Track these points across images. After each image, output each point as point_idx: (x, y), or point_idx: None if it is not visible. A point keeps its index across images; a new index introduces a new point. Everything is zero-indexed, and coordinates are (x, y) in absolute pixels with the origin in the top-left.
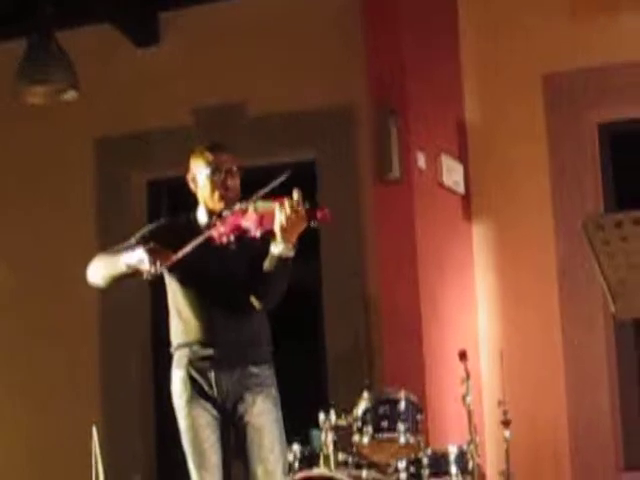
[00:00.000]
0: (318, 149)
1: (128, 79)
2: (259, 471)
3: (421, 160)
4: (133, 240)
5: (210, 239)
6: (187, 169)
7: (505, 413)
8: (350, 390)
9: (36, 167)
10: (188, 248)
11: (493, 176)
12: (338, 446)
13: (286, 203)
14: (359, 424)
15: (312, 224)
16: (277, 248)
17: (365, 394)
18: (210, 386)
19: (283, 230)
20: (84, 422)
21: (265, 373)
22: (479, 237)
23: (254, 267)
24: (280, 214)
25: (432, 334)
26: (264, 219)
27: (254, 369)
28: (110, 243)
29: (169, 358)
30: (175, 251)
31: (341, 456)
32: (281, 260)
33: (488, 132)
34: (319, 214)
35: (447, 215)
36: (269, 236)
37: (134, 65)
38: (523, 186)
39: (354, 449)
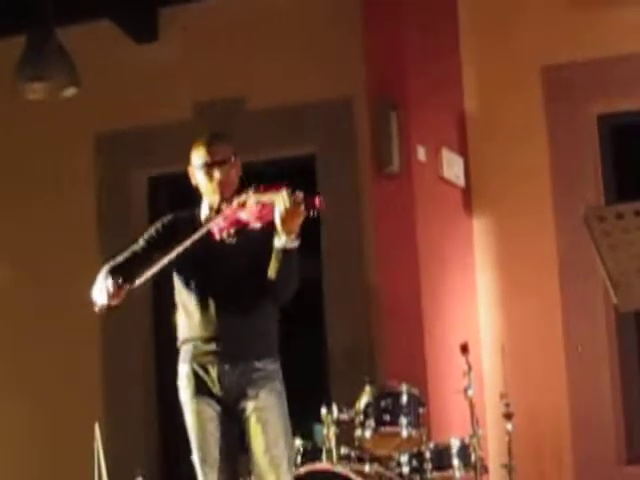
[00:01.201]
0: (318, 143)
1: (128, 75)
2: (264, 466)
3: (421, 153)
4: (141, 241)
5: (210, 234)
6: (188, 163)
7: (507, 406)
8: (352, 384)
9: (36, 163)
10: (169, 256)
11: (493, 169)
12: (340, 440)
13: (284, 194)
14: (361, 418)
15: (312, 214)
16: (280, 241)
17: (367, 388)
18: (213, 382)
19: (284, 222)
20: (87, 420)
21: (269, 367)
22: (480, 230)
23: (259, 262)
24: (279, 206)
25: (433, 327)
26: (263, 211)
27: (258, 363)
28: (111, 239)
29: (171, 355)
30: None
31: (343, 450)
32: (286, 252)
33: (488, 125)
34: (317, 201)
35: (447, 208)
36: (270, 228)
37: (134, 61)
38: (523, 179)
39: (356, 443)
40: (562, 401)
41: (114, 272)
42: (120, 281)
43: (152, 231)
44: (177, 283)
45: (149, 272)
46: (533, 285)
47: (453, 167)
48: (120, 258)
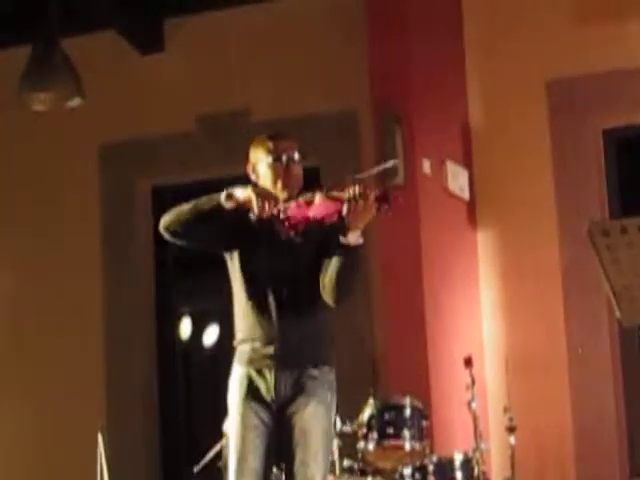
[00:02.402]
0: (322, 155)
1: (133, 86)
2: (299, 476)
3: (426, 166)
4: None
5: (277, 231)
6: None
7: (510, 420)
8: (355, 396)
9: (41, 174)
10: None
11: (498, 182)
12: (343, 453)
13: (354, 189)
14: (364, 430)
15: (383, 210)
16: (346, 237)
17: (370, 400)
18: (267, 387)
19: (351, 216)
20: (89, 427)
21: (325, 377)
22: (484, 243)
23: (321, 257)
24: (348, 201)
25: (437, 340)
26: (332, 209)
27: (314, 371)
28: (115, 249)
29: (174, 361)
30: (241, 238)
31: (346, 462)
32: (350, 249)
33: (493, 138)
34: (391, 199)
35: (452, 221)
36: (338, 226)
37: (139, 72)
38: (528, 192)
39: (359, 455)
40: (565, 415)
41: None
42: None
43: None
44: (237, 280)
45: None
46: (537, 299)
47: (458, 180)
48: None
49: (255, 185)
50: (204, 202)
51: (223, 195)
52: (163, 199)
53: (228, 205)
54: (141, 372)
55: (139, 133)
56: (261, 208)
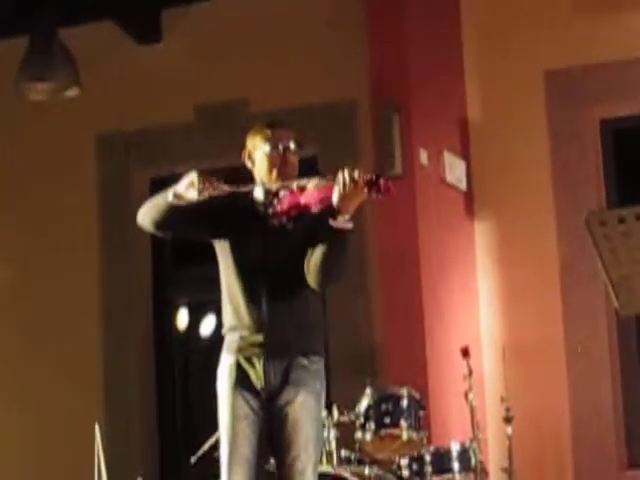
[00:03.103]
0: (320, 145)
1: (131, 77)
2: (289, 467)
3: (423, 157)
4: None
5: (268, 218)
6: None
7: (507, 410)
8: (353, 386)
9: (38, 164)
10: (236, 189)
11: (495, 172)
12: (340, 443)
13: (345, 172)
14: (362, 420)
15: (373, 195)
16: (334, 219)
17: (368, 390)
18: (257, 375)
19: (341, 200)
20: (86, 419)
21: (314, 366)
22: (481, 233)
23: (310, 243)
24: (338, 184)
25: (434, 330)
26: (323, 194)
27: (303, 360)
28: (112, 239)
29: (172, 352)
30: (228, 225)
31: (344, 453)
32: (339, 232)
33: (490, 128)
34: (382, 184)
35: (449, 212)
36: (328, 211)
37: (136, 62)
38: (525, 182)
39: (357, 446)
40: (563, 405)
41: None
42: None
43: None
44: (227, 268)
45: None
46: (534, 289)
47: (455, 171)
48: None
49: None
50: (157, 202)
51: (170, 195)
52: (161, 189)
53: (176, 201)
54: (138, 363)
55: (137, 123)
56: (202, 187)
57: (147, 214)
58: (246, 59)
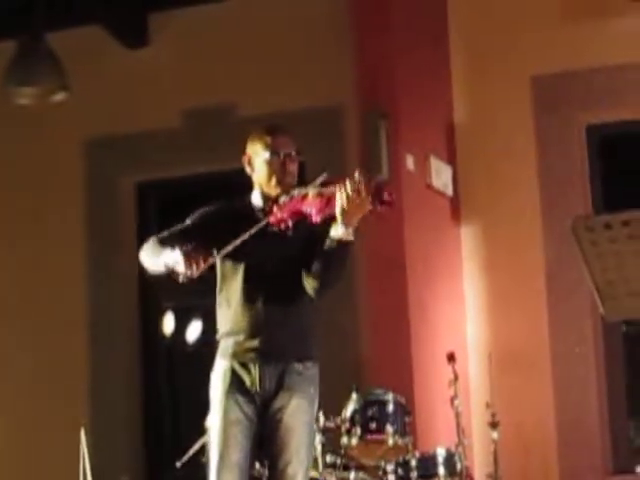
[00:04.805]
0: (307, 151)
1: (117, 81)
2: (280, 472)
3: (410, 162)
4: (188, 221)
5: (267, 226)
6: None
7: (493, 415)
8: (338, 391)
9: (25, 168)
10: (234, 243)
11: (482, 178)
12: (326, 448)
13: (348, 183)
14: (347, 426)
15: (378, 208)
16: (337, 231)
17: (353, 395)
18: (252, 381)
19: (344, 212)
20: (72, 423)
21: (308, 372)
22: (468, 239)
23: (310, 251)
24: (341, 195)
25: (420, 336)
26: (325, 203)
27: (298, 366)
28: (99, 245)
29: (157, 358)
30: (227, 238)
31: (329, 458)
32: (340, 244)
33: (477, 134)
34: (386, 196)
35: (436, 217)
36: (330, 221)
37: (123, 67)
38: (512, 188)
39: (342, 451)
40: (548, 411)
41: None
42: (202, 252)
43: (198, 216)
44: (223, 273)
45: (229, 247)
46: (520, 295)
47: (441, 176)
48: (167, 234)
49: (203, 222)
50: (154, 261)
51: (162, 266)
52: (147, 195)
53: (167, 271)
54: (124, 368)
55: (124, 128)
56: (189, 269)
57: (149, 267)
58: (233, 64)
